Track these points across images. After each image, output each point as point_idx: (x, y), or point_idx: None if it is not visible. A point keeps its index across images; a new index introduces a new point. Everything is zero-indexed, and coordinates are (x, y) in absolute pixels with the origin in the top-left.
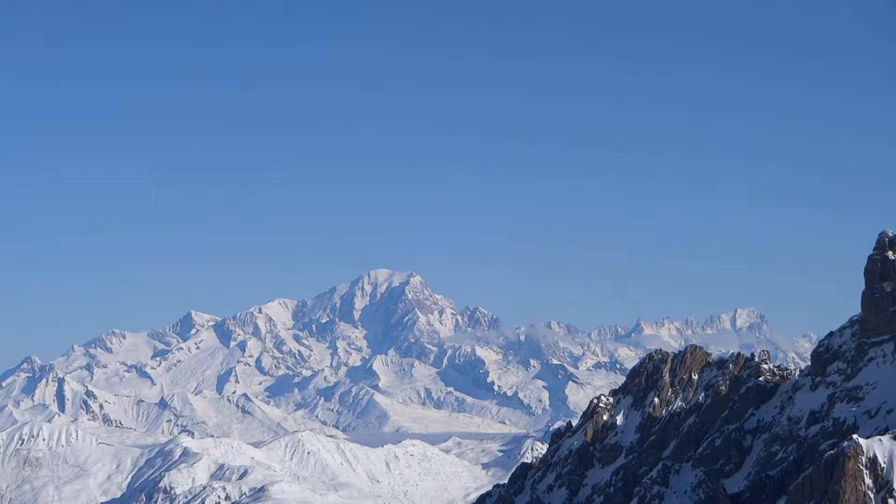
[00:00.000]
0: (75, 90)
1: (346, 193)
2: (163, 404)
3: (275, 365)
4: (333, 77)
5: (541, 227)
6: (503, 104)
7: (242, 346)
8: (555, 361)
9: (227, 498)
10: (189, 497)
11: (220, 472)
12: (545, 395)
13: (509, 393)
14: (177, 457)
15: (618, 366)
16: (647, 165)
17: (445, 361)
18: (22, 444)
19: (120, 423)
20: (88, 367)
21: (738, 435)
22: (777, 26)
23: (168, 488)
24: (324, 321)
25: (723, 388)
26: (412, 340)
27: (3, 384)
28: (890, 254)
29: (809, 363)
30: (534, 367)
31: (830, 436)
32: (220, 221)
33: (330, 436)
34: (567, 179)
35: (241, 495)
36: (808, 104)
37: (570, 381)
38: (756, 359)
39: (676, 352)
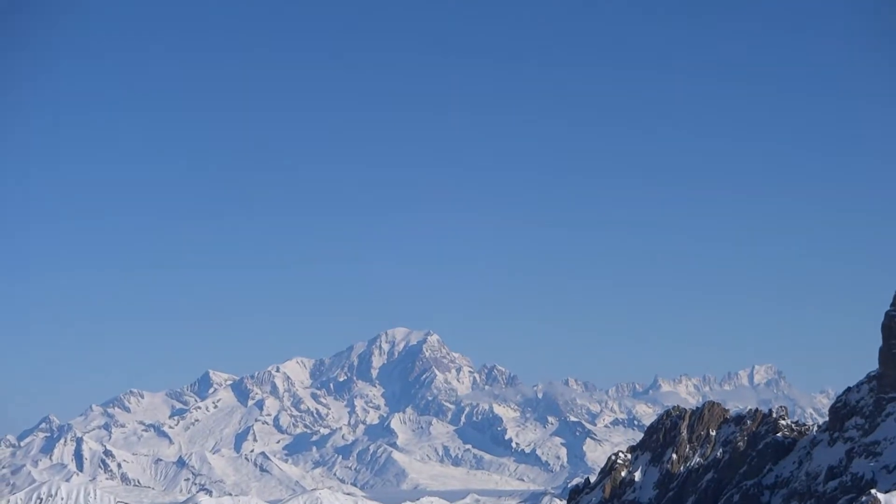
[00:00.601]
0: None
1: (362, 253)
2: (181, 463)
3: (293, 423)
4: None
5: (557, 286)
6: (515, 175)
7: (260, 405)
8: (572, 418)
9: None
10: None
11: None
12: (563, 451)
13: (527, 450)
14: None
15: (636, 422)
16: (663, 217)
17: (463, 419)
18: (41, 503)
19: (138, 482)
20: (107, 427)
21: (756, 491)
22: None
23: None
24: (341, 380)
25: (741, 443)
26: (430, 398)
27: (22, 444)
28: None
29: (827, 419)
30: (551, 424)
31: (849, 490)
32: (237, 281)
33: (348, 493)
34: (582, 237)
35: None
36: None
37: (588, 438)
38: (774, 415)
39: (694, 408)
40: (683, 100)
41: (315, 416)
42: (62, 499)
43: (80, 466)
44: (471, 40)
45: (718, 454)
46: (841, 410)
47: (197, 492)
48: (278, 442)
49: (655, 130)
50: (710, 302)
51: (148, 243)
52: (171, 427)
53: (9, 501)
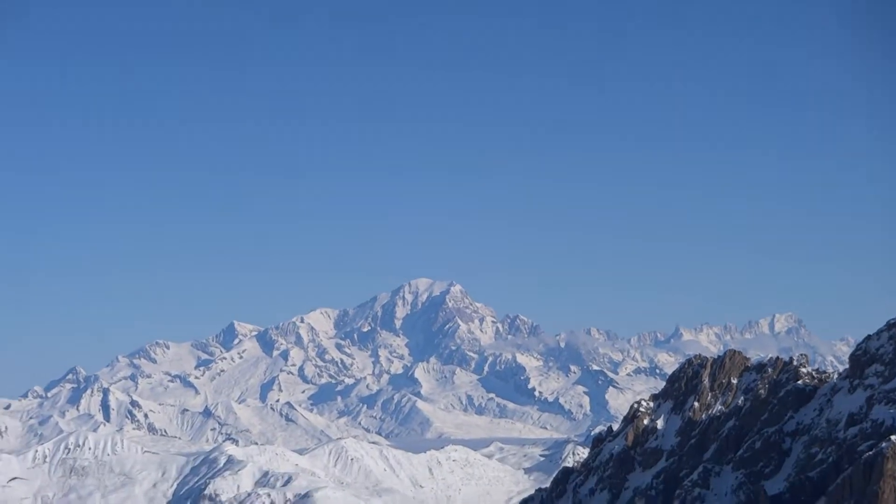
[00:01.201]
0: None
1: (387, 204)
2: (207, 413)
3: (317, 374)
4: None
5: (580, 237)
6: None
7: (285, 356)
8: (595, 367)
9: None
10: None
11: (264, 479)
12: (586, 400)
13: (550, 399)
14: (221, 464)
15: (657, 371)
16: (683, 171)
17: (486, 368)
18: (68, 453)
19: (165, 431)
20: (133, 378)
21: (777, 438)
22: None
23: (213, 495)
24: (365, 330)
25: (762, 391)
26: (453, 348)
27: (49, 395)
28: None
29: (847, 366)
30: (574, 373)
31: (869, 437)
32: (262, 233)
33: (373, 442)
34: (603, 190)
35: (286, 501)
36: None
37: (611, 387)
38: (794, 362)
39: (715, 357)
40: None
41: (339, 366)
42: (89, 448)
43: (106, 417)
44: None
45: (740, 402)
46: (861, 358)
47: (223, 441)
48: (303, 392)
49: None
50: (731, 251)
51: (173, 193)
52: (196, 378)
53: (37, 451)
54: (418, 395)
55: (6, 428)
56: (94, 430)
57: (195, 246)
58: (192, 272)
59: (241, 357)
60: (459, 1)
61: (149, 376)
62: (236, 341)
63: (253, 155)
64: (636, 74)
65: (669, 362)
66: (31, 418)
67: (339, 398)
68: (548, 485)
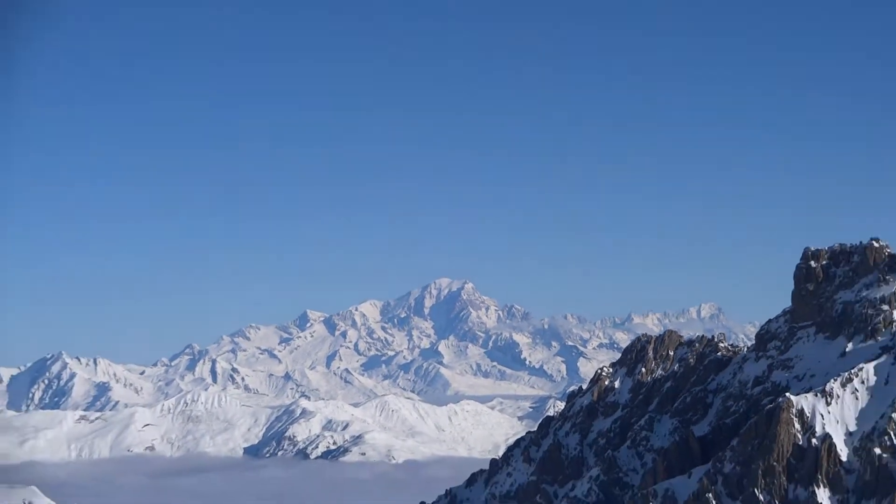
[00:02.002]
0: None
1: (418, 218)
2: (287, 377)
3: (367, 348)
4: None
5: (558, 240)
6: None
7: (344, 335)
8: (570, 343)
9: (334, 443)
10: (306, 443)
11: (329, 425)
12: (563, 367)
13: (537, 366)
14: (297, 414)
15: (615, 346)
16: (642, 183)
17: (490, 344)
18: (186, 406)
19: (256, 391)
20: (233, 351)
21: (702, 394)
22: None
23: (291, 437)
24: (402, 316)
25: (691, 360)
26: (466, 329)
27: (172, 364)
28: (812, 263)
29: (754, 342)
30: (555, 347)
31: (770, 394)
32: (328, 240)
33: (407, 398)
34: (578, 203)
35: (344, 441)
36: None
37: (581, 357)
38: (715, 340)
39: (657, 335)
40: None
41: (383, 342)
42: (202, 403)
43: (214, 380)
44: None
45: (675, 368)
46: (764, 336)
47: (299, 397)
48: (357, 361)
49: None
50: (670, 252)
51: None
52: (279, 351)
53: (163, 405)
54: (441, 363)
55: (141, 388)
56: (205, 390)
57: (282, 246)
58: (276, 270)
59: (311, 336)
60: None
61: (244, 350)
62: (308, 324)
63: (317, 172)
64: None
65: (624, 339)
66: (159, 381)
67: (383, 366)
68: (535, 429)
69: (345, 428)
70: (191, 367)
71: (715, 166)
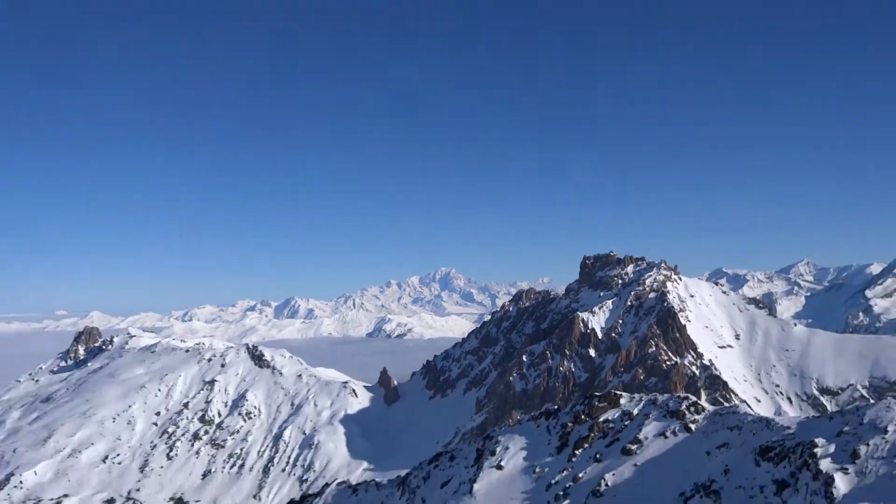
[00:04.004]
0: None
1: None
2: (383, 307)
3: (415, 298)
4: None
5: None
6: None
7: (400, 287)
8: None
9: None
10: (389, 330)
11: (397, 325)
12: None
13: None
14: (386, 321)
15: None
16: None
17: (461, 294)
18: (344, 313)
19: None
20: (382, 291)
21: (544, 311)
22: None
23: (385, 329)
24: (429, 286)
25: (541, 299)
26: (456, 290)
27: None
28: (588, 260)
29: (564, 292)
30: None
31: (572, 311)
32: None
33: (427, 314)
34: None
35: (403, 330)
36: None
37: (496, 299)
38: (550, 292)
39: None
40: None
41: (422, 297)
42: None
43: (353, 306)
44: None
45: (536, 302)
46: (567, 290)
47: (386, 314)
48: (410, 297)
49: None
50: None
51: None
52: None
53: (338, 316)
54: (441, 304)
55: (325, 310)
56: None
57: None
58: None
59: (381, 294)
60: None
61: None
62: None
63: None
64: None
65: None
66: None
67: (420, 304)
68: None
69: (403, 325)
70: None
71: None
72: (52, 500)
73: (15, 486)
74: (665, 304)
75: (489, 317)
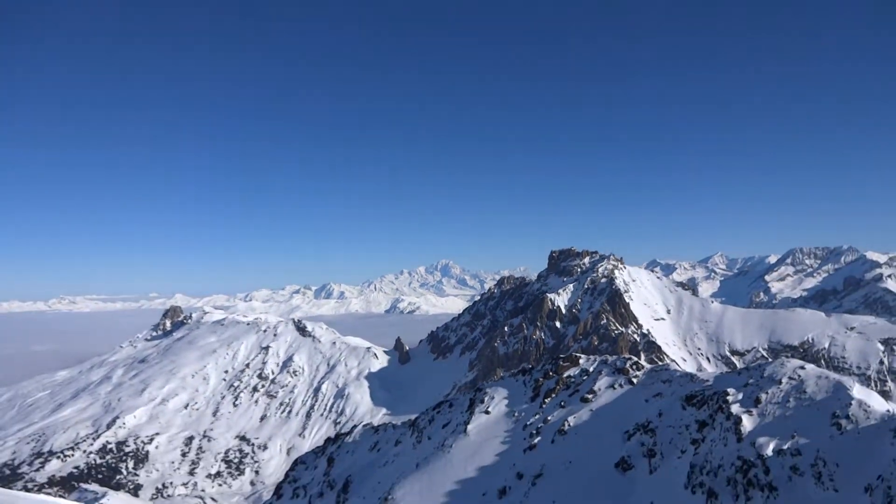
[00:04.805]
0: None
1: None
2: (399, 290)
3: (425, 281)
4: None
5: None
6: None
7: (411, 275)
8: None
9: (410, 308)
10: (403, 308)
11: (408, 304)
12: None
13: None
14: (406, 304)
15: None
16: None
17: (457, 281)
18: (370, 293)
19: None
20: (396, 277)
21: (520, 293)
22: None
23: (399, 307)
24: (432, 273)
25: (517, 283)
26: (453, 276)
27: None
28: (554, 253)
29: (536, 279)
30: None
31: (543, 293)
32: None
33: (432, 295)
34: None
35: (413, 307)
36: None
37: (484, 283)
38: (525, 277)
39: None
40: None
41: (429, 281)
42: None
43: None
44: None
45: (515, 285)
46: (538, 276)
47: (399, 296)
48: (420, 287)
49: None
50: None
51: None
52: (388, 283)
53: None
54: (442, 288)
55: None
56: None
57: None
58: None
59: (395, 280)
60: None
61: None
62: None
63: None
64: None
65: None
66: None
67: (426, 287)
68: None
69: (413, 304)
70: (370, 286)
71: None
72: (147, 436)
73: (119, 427)
74: (613, 286)
75: (479, 297)
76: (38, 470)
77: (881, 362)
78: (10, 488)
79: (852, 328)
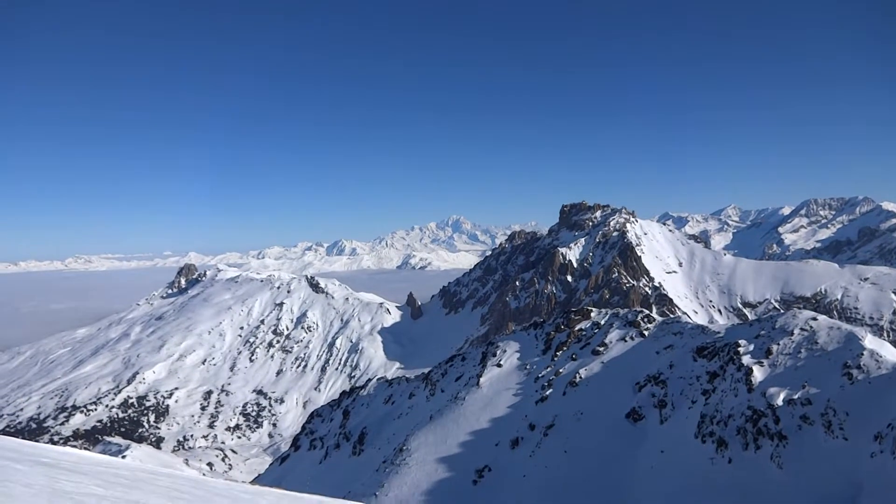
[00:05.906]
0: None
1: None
2: (409, 246)
3: (434, 238)
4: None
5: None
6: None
7: (423, 231)
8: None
9: (422, 264)
10: (414, 264)
11: (420, 260)
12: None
13: (486, 242)
14: (417, 260)
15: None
16: None
17: (468, 235)
18: (380, 248)
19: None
20: (408, 233)
21: (533, 247)
22: None
23: (411, 263)
24: (443, 229)
25: (528, 238)
26: (464, 231)
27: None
28: (565, 207)
29: (547, 234)
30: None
31: (554, 247)
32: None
33: (443, 251)
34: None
35: (425, 263)
36: None
37: (495, 238)
38: (536, 232)
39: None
40: None
41: (439, 236)
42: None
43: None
44: None
45: (526, 240)
46: (549, 231)
47: (411, 251)
48: (430, 242)
49: None
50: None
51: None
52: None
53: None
54: (454, 244)
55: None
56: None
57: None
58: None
59: (407, 236)
60: None
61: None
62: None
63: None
64: None
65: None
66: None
67: (437, 243)
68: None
69: (424, 260)
70: (381, 242)
71: None
72: (166, 391)
73: (139, 382)
74: (625, 240)
75: (490, 253)
76: (62, 424)
77: (895, 312)
78: (37, 441)
79: (866, 279)
